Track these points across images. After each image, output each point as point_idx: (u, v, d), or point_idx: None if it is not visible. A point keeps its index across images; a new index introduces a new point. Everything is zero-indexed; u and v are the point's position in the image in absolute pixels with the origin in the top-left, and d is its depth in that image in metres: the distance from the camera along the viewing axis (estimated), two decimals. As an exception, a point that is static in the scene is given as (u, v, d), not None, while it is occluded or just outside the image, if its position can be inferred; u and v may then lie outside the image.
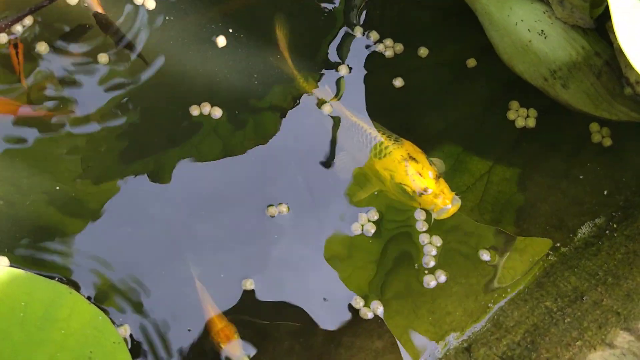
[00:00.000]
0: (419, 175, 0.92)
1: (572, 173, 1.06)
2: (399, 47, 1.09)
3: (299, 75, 1.04)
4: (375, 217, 0.99)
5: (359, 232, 0.98)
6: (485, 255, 1.00)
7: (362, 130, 0.97)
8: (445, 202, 0.92)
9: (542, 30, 1.01)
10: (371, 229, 0.99)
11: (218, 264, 0.96)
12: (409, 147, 0.95)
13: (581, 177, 1.05)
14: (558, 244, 1.02)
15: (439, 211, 0.92)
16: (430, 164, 0.94)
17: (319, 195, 1.00)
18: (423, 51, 1.10)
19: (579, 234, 1.03)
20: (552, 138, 1.08)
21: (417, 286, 0.98)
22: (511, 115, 1.08)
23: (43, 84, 1.02)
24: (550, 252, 1.02)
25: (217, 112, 1.03)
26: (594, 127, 1.07)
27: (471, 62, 1.10)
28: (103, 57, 1.04)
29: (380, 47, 1.08)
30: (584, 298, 0.94)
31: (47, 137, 1.00)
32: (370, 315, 0.96)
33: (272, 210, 0.98)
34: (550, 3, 1.00)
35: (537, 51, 1.01)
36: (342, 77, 1.06)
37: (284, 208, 0.98)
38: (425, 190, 0.92)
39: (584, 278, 0.97)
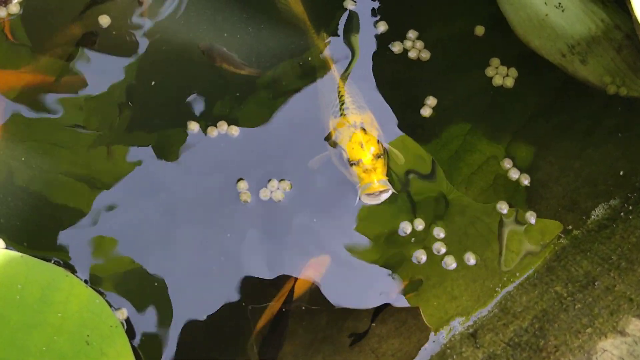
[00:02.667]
0: (359, 145, 0.92)
1: (586, 153, 1.03)
2: (420, 44, 1.06)
3: (312, 27, 1.04)
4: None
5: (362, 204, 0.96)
6: (493, 238, 0.97)
7: (336, 91, 0.98)
8: (371, 179, 0.91)
9: (560, 3, 0.96)
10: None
11: (220, 244, 0.95)
12: (367, 118, 0.95)
13: (596, 157, 1.02)
14: (570, 227, 0.99)
15: (363, 186, 0.91)
16: (379, 144, 0.94)
17: (325, 171, 0.98)
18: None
19: (593, 216, 1.00)
20: (566, 116, 1.05)
21: (422, 270, 0.96)
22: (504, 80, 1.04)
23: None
24: (562, 235, 0.99)
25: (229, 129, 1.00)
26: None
27: (479, 30, 1.06)
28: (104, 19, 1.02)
29: (403, 46, 1.06)
30: (596, 283, 0.92)
31: (47, 117, 0.98)
32: (375, 299, 0.94)
33: (273, 184, 0.96)
34: (568, -27, 0.96)
35: (554, 25, 0.97)
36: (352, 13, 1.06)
37: (286, 185, 0.97)
38: (358, 161, 0.92)
39: (597, 262, 0.94)
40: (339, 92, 0.98)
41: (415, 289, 0.95)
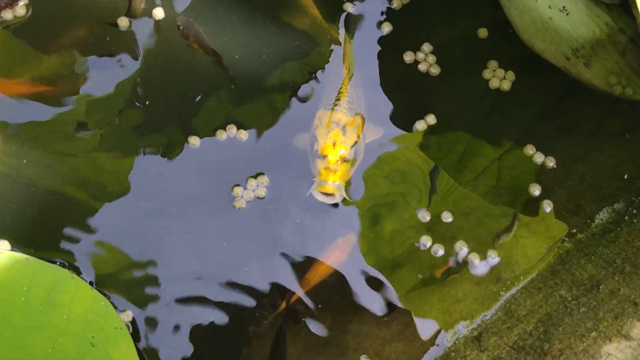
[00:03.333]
0: (332, 142, 0.92)
1: (590, 156, 1.03)
2: (432, 59, 1.06)
3: (321, 17, 1.05)
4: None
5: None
6: (497, 241, 0.97)
7: (338, 87, 0.98)
8: (328, 177, 0.91)
9: (564, 7, 0.96)
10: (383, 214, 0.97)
11: (226, 245, 0.95)
12: (353, 122, 0.95)
13: (600, 160, 1.02)
14: (574, 230, 0.99)
15: (319, 182, 0.91)
16: (351, 151, 0.93)
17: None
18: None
19: (597, 220, 1.00)
20: (570, 119, 1.05)
21: (426, 273, 0.96)
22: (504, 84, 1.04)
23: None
24: (566, 239, 0.99)
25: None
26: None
27: (482, 33, 1.06)
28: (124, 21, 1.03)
29: (415, 57, 1.06)
30: (600, 287, 0.92)
31: (51, 119, 0.99)
32: (379, 302, 0.94)
33: (252, 183, 0.96)
34: (573, -23, 0.96)
35: (558, 29, 0.97)
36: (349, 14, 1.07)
37: (263, 179, 0.96)
38: (323, 156, 0.92)
39: (601, 266, 0.94)
40: (341, 89, 0.98)
41: (419, 292, 0.95)
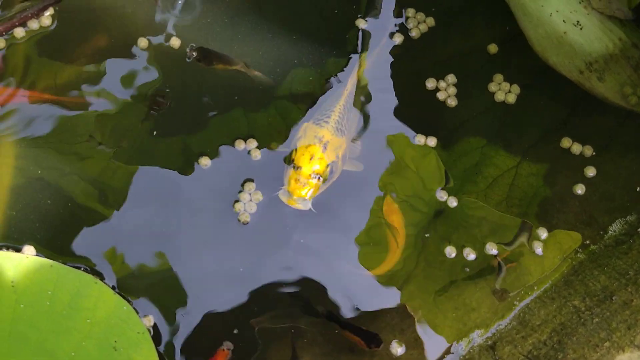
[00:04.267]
0: (308, 155, 0.93)
1: (603, 168, 1.03)
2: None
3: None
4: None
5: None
6: (510, 250, 0.98)
7: (334, 106, 0.98)
8: (293, 188, 0.92)
9: (578, 21, 0.97)
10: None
11: (243, 253, 0.96)
12: (336, 143, 0.95)
13: (612, 172, 1.03)
14: (587, 241, 1.00)
15: (285, 191, 0.93)
16: (325, 171, 0.93)
17: (348, 179, 1.00)
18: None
19: (610, 232, 1.01)
20: (583, 131, 1.05)
21: (441, 281, 0.97)
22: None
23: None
24: (579, 250, 1.00)
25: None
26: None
27: (492, 49, 1.07)
28: (142, 42, 1.04)
29: (437, 85, 1.06)
30: (614, 298, 0.93)
31: (71, 127, 1.00)
32: (394, 309, 0.95)
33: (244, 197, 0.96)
34: (587, -8, 0.97)
35: (572, 42, 0.98)
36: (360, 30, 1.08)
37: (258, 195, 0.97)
38: (294, 167, 0.93)
39: (614, 277, 0.95)
40: (334, 108, 0.98)
41: (434, 300, 0.96)
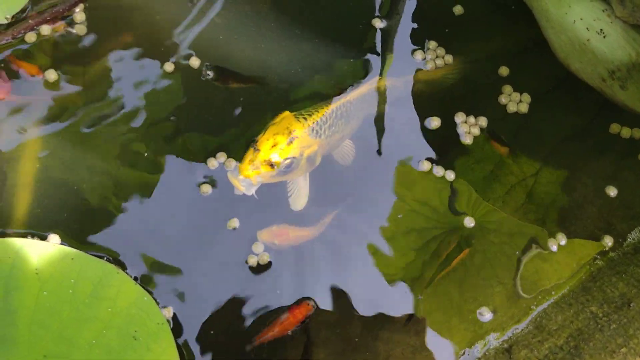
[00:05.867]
0: (272, 142, 0.90)
1: (621, 175, 1.04)
2: (476, 130, 1.05)
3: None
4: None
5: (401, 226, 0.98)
6: (527, 257, 0.98)
7: (327, 105, 0.96)
8: (243, 167, 0.89)
9: (601, 29, 0.98)
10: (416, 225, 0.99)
11: (266, 249, 0.97)
12: (306, 142, 0.92)
13: (631, 180, 1.03)
14: (606, 248, 1.00)
15: (235, 168, 0.91)
16: (282, 163, 0.90)
17: (370, 183, 1.00)
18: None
19: (629, 239, 1.01)
20: (602, 139, 1.06)
21: (457, 283, 0.97)
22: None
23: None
24: (598, 256, 1.00)
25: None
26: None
27: (504, 71, 1.08)
28: (169, 66, 1.04)
29: (467, 123, 1.05)
30: (631, 305, 0.92)
31: (99, 117, 1.02)
32: (410, 311, 0.95)
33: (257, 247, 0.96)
34: (610, 2, 0.97)
35: (595, 50, 0.99)
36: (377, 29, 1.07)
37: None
38: (255, 147, 0.90)
39: (632, 284, 0.95)
40: (322, 109, 0.95)
41: (450, 302, 0.96)
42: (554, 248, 0.99)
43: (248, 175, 0.90)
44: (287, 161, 0.91)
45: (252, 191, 0.91)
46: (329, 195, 0.99)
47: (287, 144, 0.91)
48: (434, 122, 1.04)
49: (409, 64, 1.08)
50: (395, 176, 1.01)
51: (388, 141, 1.03)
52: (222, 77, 1.03)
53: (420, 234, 0.99)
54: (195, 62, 1.05)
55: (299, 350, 0.93)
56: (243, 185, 0.90)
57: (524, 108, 1.06)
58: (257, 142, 0.91)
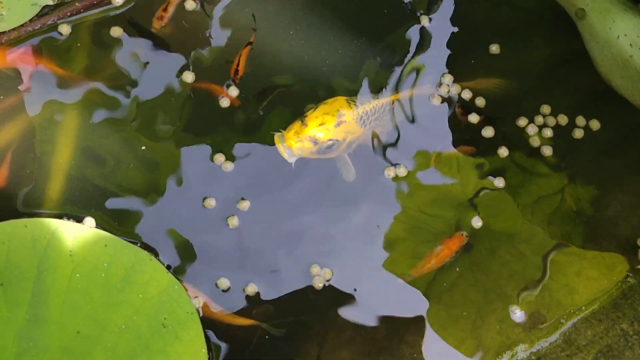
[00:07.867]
0: (321, 120, 0.92)
1: (655, 192, 1.03)
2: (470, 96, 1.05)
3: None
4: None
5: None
6: (557, 270, 0.98)
7: (377, 99, 0.99)
8: (289, 135, 0.92)
9: (645, 46, 0.97)
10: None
11: (287, 248, 0.97)
12: (352, 127, 0.94)
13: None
14: (638, 266, 0.99)
15: (282, 134, 0.93)
16: (327, 144, 0.92)
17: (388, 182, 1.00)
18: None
19: (662, 258, 1.00)
20: (636, 156, 1.05)
21: (485, 293, 0.97)
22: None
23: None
24: (630, 274, 0.99)
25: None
26: None
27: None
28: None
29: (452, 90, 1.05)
30: (663, 325, 0.92)
31: (136, 103, 1.03)
32: (437, 316, 0.95)
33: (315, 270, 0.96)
34: (655, 18, 0.97)
35: (637, 67, 0.98)
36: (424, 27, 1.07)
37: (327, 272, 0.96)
38: (303, 121, 0.93)
39: (664, 304, 0.94)
40: (374, 101, 0.98)
41: (477, 311, 0.96)
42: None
43: (290, 144, 0.92)
44: (330, 142, 0.94)
45: (292, 160, 0.94)
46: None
47: (334, 126, 0.93)
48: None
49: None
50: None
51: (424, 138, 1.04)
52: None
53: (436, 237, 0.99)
54: (189, 76, 1.03)
55: (314, 348, 0.92)
56: (286, 153, 0.93)
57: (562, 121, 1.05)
58: (306, 116, 0.93)
